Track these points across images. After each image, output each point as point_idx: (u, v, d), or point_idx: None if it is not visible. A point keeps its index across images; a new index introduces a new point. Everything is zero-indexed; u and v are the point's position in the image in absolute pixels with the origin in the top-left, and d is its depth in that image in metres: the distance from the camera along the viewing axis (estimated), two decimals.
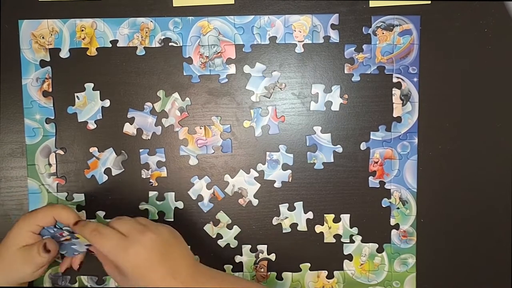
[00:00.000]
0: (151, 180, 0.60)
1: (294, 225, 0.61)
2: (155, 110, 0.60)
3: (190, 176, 0.60)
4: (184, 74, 0.60)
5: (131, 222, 0.50)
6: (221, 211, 0.60)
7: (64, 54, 0.59)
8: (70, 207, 0.53)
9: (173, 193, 0.60)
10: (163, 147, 0.60)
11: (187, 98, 0.60)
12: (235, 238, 0.61)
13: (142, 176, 0.60)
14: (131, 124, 0.60)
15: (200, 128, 0.60)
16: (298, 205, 0.60)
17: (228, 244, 0.61)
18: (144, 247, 0.48)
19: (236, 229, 0.61)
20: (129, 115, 0.60)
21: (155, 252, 0.48)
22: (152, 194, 0.60)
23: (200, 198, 0.60)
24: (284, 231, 0.61)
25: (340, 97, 0.60)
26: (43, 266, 0.52)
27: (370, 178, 0.60)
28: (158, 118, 0.60)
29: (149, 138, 0.60)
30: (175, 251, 0.50)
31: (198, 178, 0.60)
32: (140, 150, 0.60)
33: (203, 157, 0.60)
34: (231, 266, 0.61)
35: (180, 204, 0.60)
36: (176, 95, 0.60)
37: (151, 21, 0.59)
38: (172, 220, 0.60)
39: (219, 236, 0.61)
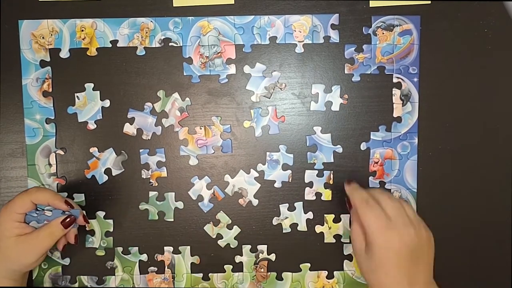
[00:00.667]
0: (151, 180, 0.60)
1: (294, 225, 0.61)
2: (155, 110, 0.60)
3: (190, 176, 0.60)
4: (184, 74, 0.60)
5: (401, 210, 0.51)
6: (221, 211, 0.60)
7: (64, 54, 0.59)
8: (43, 187, 0.53)
9: (173, 193, 0.60)
10: (163, 147, 0.60)
11: (187, 98, 0.60)
12: (235, 238, 0.61)
13: (142, 176, 0.60)
14: (131, 124, 0.60)
15: (200, 128, 0.60)
16: (298, 205, 0.60)
17: (228, 244, 0.61)
18: (401, 239, 0.49)
19: (236, 229, 0.61)
20: (129, 115, 0.60)
21: (408, 249, 0.49)
22: (152, 194, 0.60)
23: (200, 198, 0.60)
24: (284, 231, 0.61)
25: (340, 97, 0.60)
26: (44, 254, 0.53)
27: (370, 178, 0.60)
28: (158, 118, 0.60)
29: (149, 138, 0.60)
30: (423, 257, 0.50)
31: (198, 178, 0.60)
32: (140, 150, 0.60)
33: (203, 157, 0.60)
34: (231, 266, 0.61)
35: (180, 204, 0.60)
36: (176, 95, 0.60)
37: (151, 21, 0.59)
38: (172, 220, 0.60)
39: (219, 236, 0.61)
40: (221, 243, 0.61)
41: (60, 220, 0.53)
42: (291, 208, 0.60)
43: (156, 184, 0.60)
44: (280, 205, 0.60)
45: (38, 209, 0.53)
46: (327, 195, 0.60)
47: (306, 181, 0.60)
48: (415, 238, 0.49)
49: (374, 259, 0.49)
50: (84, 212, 0.55)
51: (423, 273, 0.50)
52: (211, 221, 0.60)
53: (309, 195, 0.60)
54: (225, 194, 0.60)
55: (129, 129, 0.60)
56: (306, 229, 0.61)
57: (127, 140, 0.60)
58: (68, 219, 0.53)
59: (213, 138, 0.60)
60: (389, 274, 0.49)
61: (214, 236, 0.61)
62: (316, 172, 0.60)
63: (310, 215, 0.60)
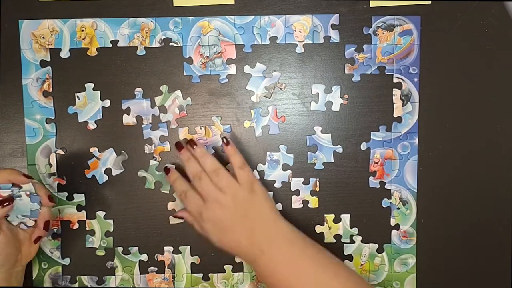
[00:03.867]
0: (154, 155, 0.60)
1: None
2: (154, 103, 0.60)
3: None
4: (185, 74, 0.60)
5: (210, 186, 0.54)
6: None
7: (64, 54, 0.59)
8: (2, 168, 0.54)
9: (174, 166, 0.60)
10: (165, 122, 0.60)
11: (188, 98, 0.60)
12: None
13: (145, 151, 0.60)
14: (129, 115, 0.60)
15: (201, 128, 0.60)
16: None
17: None
18: (214, 214, 0.53)
19: None
20: (124, 106, 0.59)
21: (226, 218, 0.53)
22: (152, 163, 0.60)
23: None
24: None
25: (341, 97, 0.60)
26: (5, 243, 0.51)
27: (371, 178, 0.60)
28: (152, 102, 0.60)
29: (150, 121, 0.60)
30: (253, 211, 0.54)
31: None
32: (143, 126, 0.60)
33: None
34: (231, 266, 0.61)
35: None
36: (178, 92, 0.60)
37: (151, 21, 0.59)
38: (168, 192, 0.60)
39: None
40: None
41: None
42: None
43: (160, 159, 0.60)
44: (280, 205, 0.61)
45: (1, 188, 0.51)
46: (314, 202, 0.60)
47: (293, 189, 0.60)
48: (231, 203, 0.53)
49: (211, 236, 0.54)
50: (49, 191, 0.53)
51: (262, 226, 0.53)
52: None
53: (296, 203, 0.60)
54: None
55: (128, 120, 0.60)
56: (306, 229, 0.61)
57: (129, 130, 0.60)
58: (1, 198, 0.50)
59: (213, 138, 0.60)
60: (228, 242, 0.53)
61: None
62: (302, 180, 0.60)
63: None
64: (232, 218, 0.53)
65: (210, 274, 0.61)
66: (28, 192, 0.52)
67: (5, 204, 0.50)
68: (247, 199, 0.54)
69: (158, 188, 0.60)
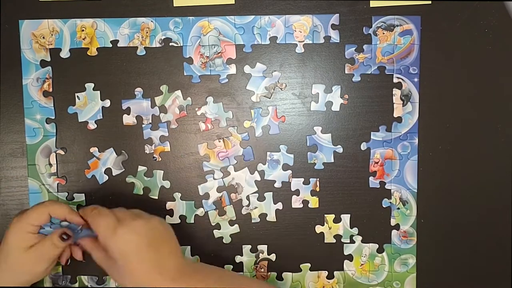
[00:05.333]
0: (154, 155, 0.60)
1: (264, 215, 0.61)
2: (154, 103, 0.60)
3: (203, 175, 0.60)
4: (185, 74, 0.60)
5: (127, 211, 0.52)
6: (231, 206, 0.60)
7: (64, 54, 0.59)
8: (59, 201, 0.54)
9: (161, 172, 0.60)
10: (165, 122, 0.60)
11: (189, 98, 0.60)
12: (230, 235, 0.60)
13: (146, 151, 0.60)
14: (128, 115, 0.60)
15: (219, 141, 0.60)
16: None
17: (222, 238, 0.60)
18: (133, 231, 0.48)
19: (236, 228, 0.60)
20: (124, 106, 0.59)
21: (143, 239, 0.48)
22: (141, 169, 0.60)
23: (206, 196, 0.60)
24: (284, 231, 0.61)
25: (341, 97, 0.60)
26: (54, 260, 0.52)
27: (371, 178, 0.60)
28: (152, 102, 0.60)
29: (150, 121, 0.60)
30: (164, 244, 0.50)
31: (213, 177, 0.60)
32: (143, 126, 0.60)
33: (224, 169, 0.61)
34: (231, 266, 0.61)
35: (167, 184, 0.60)
36: (178, 92, 0.60)
37: (151, 21, 0.59)
38: (157, 197, 0.60)
39: (217, 226, 0.60)
40: (216, 233, 0.60)
41: (59, 232, 0.51)
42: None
43: (160, 159, 0.60)
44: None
45: (53, 222, 0.52)
46: (314, 202, 0.60)
47: (293, 189, 0.60)
48: (146, 226, 0.49)
49: (121, 264, 0.48)
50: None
51: (172, 259, 0.49)
52: (217, 209, 0.60)
53: (296, 203, 0.60)
54: (231, 202, 0.60)
55: (128, 119, 0.60)
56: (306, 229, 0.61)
57: (129, 130, 0.60)
58: (65, 234, 0.51)
59: (233, 148, 0.60)
60: (137, 271, 0.48)
61: (213, 224, 0.60)
62: (302, 179, 0.60)
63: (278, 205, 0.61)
64: (150, 243, 0.49)
65: None
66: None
67: (66, 239, 0.51)
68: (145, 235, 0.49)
69: (147, 193, 0.60)
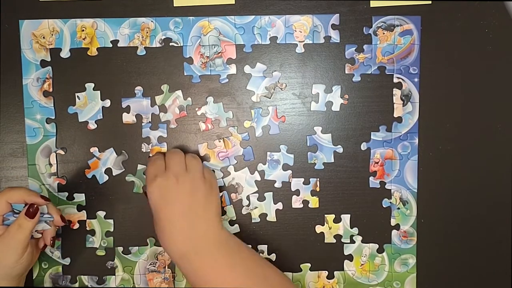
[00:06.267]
0: (150, 155, 0.60)
1: (264, 215, 0.61)
2: (154, 102, 0.60)
3: None
4: (185, 74, 0.60)
5: (181, 161, 0.53)
6: (231, 206, 0.60)
7: (64, 54, 0.59)
8: (17, 186, 0.53)
9: None
10: (165, 123, 0.60)
11: (189, 98, 0.60)
12: None
13: (142, 149, 0.60)
14: (128, 113, 0.60)
15: (219, 141, 0.60)
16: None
17: None
18: (174, 180, 0.52)
19: (236, 228, 0.60)
20: (124, 105, 0.60)
21: (185, 190, 0.51)
22: (140, 167, 0.60)
23: None
24: (284, 231, 0.61)
25: (341, 97, 0.60)
26: (25, 247, 0.50)
27: (371, 178, 0.60)
28: (152, 101, 0.60)
29: (150, 120, 0.60)
30: (200, 208, 0.52)
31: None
32: (143, 124, 0.60)
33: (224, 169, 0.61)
34: None
35: None
36: (179, 92, 0.60)
37: (151, 21, 0.59)
38: None
39: None
40: None
41: (25, 211, 0.50)
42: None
43: None
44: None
45: (15, 210, 0.51)
46: (314, 202, 0.60)
47: (293, 189, 0.60)
48: (191, 179, 0.52)
49: (157, 220, 0.52)
50: (60, 211, 0.54)
51: (212, 216, 0.53)
52: None
53: (296, 203, 0.60)
54: (231, 202, 0.60)
55: (128, 118, 0.60)
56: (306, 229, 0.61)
57: (129, 129, 0.60)
58: (31, 209, 0.50)
59: (233, 148, 0.60)
60: (175, 232, 0.51)
61: None
62: (303, 180, 0.60)
63: (279, 205, 0.61)
64: (180, 197, 0.52)
65: None
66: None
67: (32, 213, 0.50)
68: (202, 192, 0.53)
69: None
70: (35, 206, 0.50)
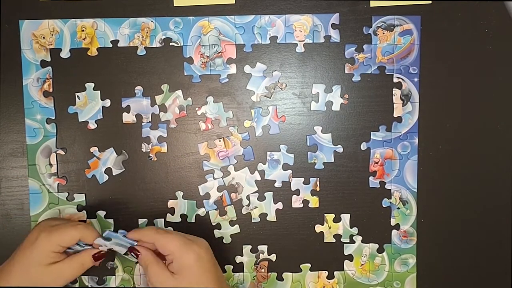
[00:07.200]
0: (150, 155, 0.60)
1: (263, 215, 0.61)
2: (154, 101, 0.60)
3: (203, 174, 0.60)
4: (185, 74, 0.60)
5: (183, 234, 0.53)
6: (232, 206, 0.60)
7: (64, 54, 0.59)
8: (90, 225, 0.55)
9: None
10: (165, 123, 0.60)
11: (189, 98, 0.60)
12: (231, 236, 0.60)
13: (142, 149, 0.60)
14: (128, 113, 0.60)
15: (219, 141, 0.60)
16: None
17: (222, 238, 0.60)
18: (205, 249, 0.51)
19: (236, 228, 0.60)
20: (124, 104, 0.60)
21: (210, 259, 0.52)
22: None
23: (207, 196, 0.60)
24: (284, 231, 0.61)
25: (341, 97, 0.60)
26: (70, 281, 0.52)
27: (371, 178, 0.60)
28: (152, 101, 0.60)
29: (150, 120, 0.60)
30: (219, 268, 0.53)
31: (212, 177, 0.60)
32: (143, 124, 0.60)
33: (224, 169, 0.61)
34: (232, 267, 0.61)
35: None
36: (179, 92, 0.60)
37: (151, 21, 0.59)
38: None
39: (218, 226, 0.60)
40: (216, 233, 0.60)
41: (92, 252, 0.52)
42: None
43: (155, 159, 0.60)
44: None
45: (80, 244, 0.52)
46: (314, 202, 0.60)
47: (293, 188, 0.60)
48: (209, 250, 0.52)
49: (187, 276, 0.50)
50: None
51: (224, 282, 0.53)
52: (218, 209, 0.60)
53: (296, 203, 0.60)
54: (232, 202, 0.60)
55: (128, 118, 0.60)
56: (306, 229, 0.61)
57: (129, 129, 0.60)
58: (99, 253, 0.52)
59: (233, 148, 0.60)
60: (202, 283, 0.50)
61: (213, 224, 0.60)
62: (303, 179, 0.60)
63: (279, 205, 0.61)
64: (211, 260, 0.52)
65: None
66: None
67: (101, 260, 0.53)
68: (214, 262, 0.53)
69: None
70: (103, 252, 0.52)
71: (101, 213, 0.60)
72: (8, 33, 0.59)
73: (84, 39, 0.59)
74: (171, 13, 0.59)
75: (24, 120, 0.60)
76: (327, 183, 0.60)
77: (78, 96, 0.60)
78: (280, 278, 0.61)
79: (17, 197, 0.60)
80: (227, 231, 0.61)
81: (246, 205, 0.60)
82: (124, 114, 0.60)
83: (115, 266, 0.61)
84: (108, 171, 0.60)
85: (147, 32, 0.59)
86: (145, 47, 0.59)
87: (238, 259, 0.61)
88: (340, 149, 0.60)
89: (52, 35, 0.59)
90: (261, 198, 0.60)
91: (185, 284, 0.50)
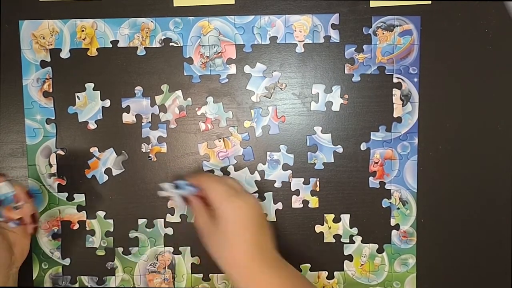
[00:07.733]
0: (150, 155, 0.60)
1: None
2: (154, 102, 0.60)
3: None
4: (185, 74, 0.60)
5: (240, 184, 0.55)
6: None
7: (64, 54, 0.59)
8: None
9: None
10: (165, 123, 0.60)
11: (189, 98, 0.60)
12: None
13: (142, 149, 0.60)
14: (128, 113, 0.60)
15: (219, 141, 0.60)
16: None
17: None
18: (247, 203, 0.51)
19: None
20: (124, 105, 0.60)
21: (253, 214, 0.51)
22: (141, 221, 0.60)
23: None
24: (284, 231, 0.61)
25: (341, 97, 0.60)
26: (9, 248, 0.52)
27: (370, 178, 0.60)
28: (152, 101, 0.60)
29: (150, 120, 0.60)
30: (266, 228, 0.52)
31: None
32: (142, 124, 0.60)
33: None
34: None
35: None
36: (179, 92, 0.60)
37: (151, 21, 0.59)
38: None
39: None
40: None
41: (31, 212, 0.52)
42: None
43: (155, 159, 0.60)
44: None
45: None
46: (314, 202, 0.60)
47: (293, 189, 0.60)
48: (257, 205, 0.52)
49: (219, 232, 0.51)
50: (24, 187, 0.53)
51: (269, 240, 0.52)
52: None
53: (296, 203, 0.60)
54: None
55: (128, 118, 0.60)
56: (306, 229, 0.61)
57: (129, 130, 0.60)
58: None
59: (233, 148, 0.60)
60: (241, 238, 0.50)
61: None
62: (302, 179, 0.60)
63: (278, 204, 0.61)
64: (249, 216, 0.52)
65: (210, 275, 0.61)
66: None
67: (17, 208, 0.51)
68: (263, 215, 0.53)
69: (152, 245, 0.60)
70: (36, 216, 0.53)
71: (101, 213, 0.60)
72: (8, 33, 0.59)
73: (84, 39, 0.59)
74: (171, 13, 0.59)
75: (24, 120, 0.60)
76: (327, 183, 0.60)
77: (78, 96, 0.60)
78: None
79: None
80: None
81: None
82: (124, 114, 0.60)
83: (115, 266, 0.61)
84: (108, 171, 0.60)
85: (147, 32, 0.59)
86: (145, 47, 0.59)
87: None
88: (340, 149, 0.60)
89: (52, 35, 0.59)
90: (261, 198, 0.60)
91: (219, 234, 0.50)
